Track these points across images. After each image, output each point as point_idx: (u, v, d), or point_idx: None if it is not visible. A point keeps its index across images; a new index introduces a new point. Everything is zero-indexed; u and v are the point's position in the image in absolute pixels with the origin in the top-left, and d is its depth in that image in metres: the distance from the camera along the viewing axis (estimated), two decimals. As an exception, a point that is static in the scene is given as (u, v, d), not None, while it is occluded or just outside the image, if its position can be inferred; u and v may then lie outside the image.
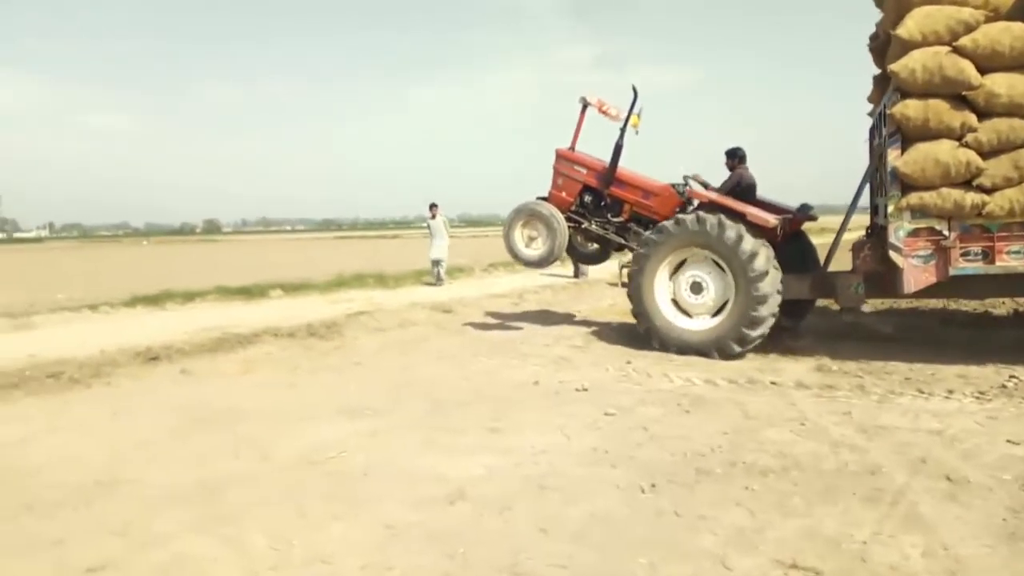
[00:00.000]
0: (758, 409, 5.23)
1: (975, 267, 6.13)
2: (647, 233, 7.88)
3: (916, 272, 6.23)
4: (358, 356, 7.88)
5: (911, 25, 6.07)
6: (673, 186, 8.34)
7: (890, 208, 6.36)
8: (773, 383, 6.03)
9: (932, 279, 6.21)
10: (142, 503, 3.78)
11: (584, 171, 8.68)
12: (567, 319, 10.03)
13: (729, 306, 7.18)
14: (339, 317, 10.03)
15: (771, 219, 7.21)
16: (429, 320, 10.17)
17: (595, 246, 9.34)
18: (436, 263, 15.36)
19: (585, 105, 8.51)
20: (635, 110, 8.37)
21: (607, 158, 8.53)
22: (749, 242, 7.02)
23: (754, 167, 7.99)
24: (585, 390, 5.88)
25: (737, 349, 7.03)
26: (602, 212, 8.66)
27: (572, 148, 8.81)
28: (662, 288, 7.54)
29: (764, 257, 7.02)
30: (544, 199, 8.80)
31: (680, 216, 7.58)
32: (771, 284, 7.00)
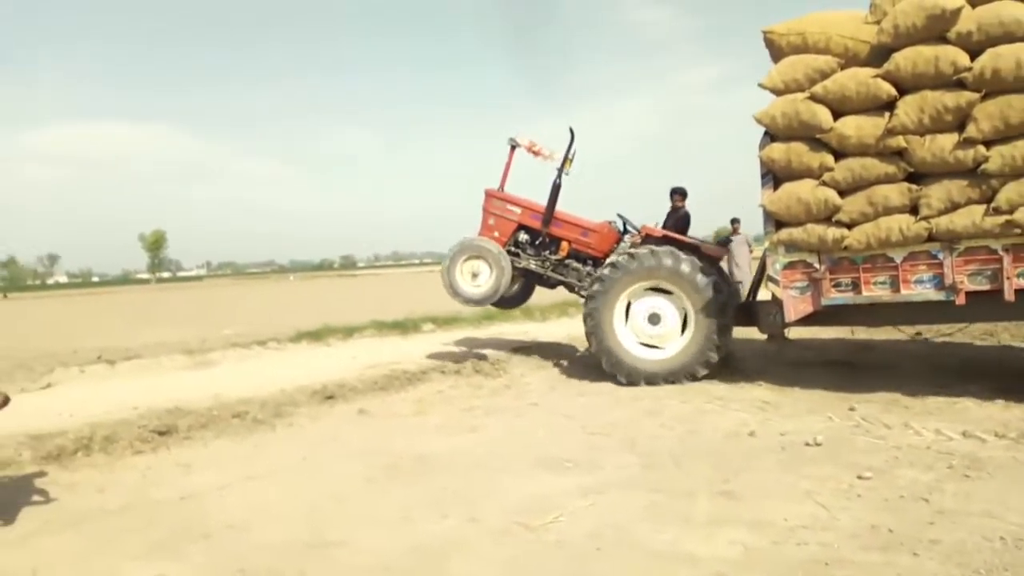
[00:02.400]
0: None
1: (845, 297, 6.48)
2: (602, 270, 8.01)
3: (794, 302, 6.65)
4: (532, 396, 7.41)
5: (774, 75, 6.57)
6: (610, 223, 8.77)
7: (765, 244, 6.81)
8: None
9: (809, 308, 6.60)
10: (359, 572, 3.40)
11: (519, 211, 8.79)
12: (743, 353, 9.09)
13: (690, 333, 7.53)
14: (500, 353, 9.65)
15: (721, 251, 8.15)
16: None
17: (515, 288, 9.13)
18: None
19: (514, 146, 8.64)
20: (570, 152, 8.53)
21: (526, 197, 8.76)
22: (704, 272, 7.52)
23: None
24: (818, 445, 5.02)
25: (703, 372, 7.44)
26: (539, 251, 8.83)
27: (501, 188, 8.88)
28: (621, 322, 7.77)
29: (721, 284, 7.61)
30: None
31: (634, 251, 7.85)
32: (728, 309, 7.50)
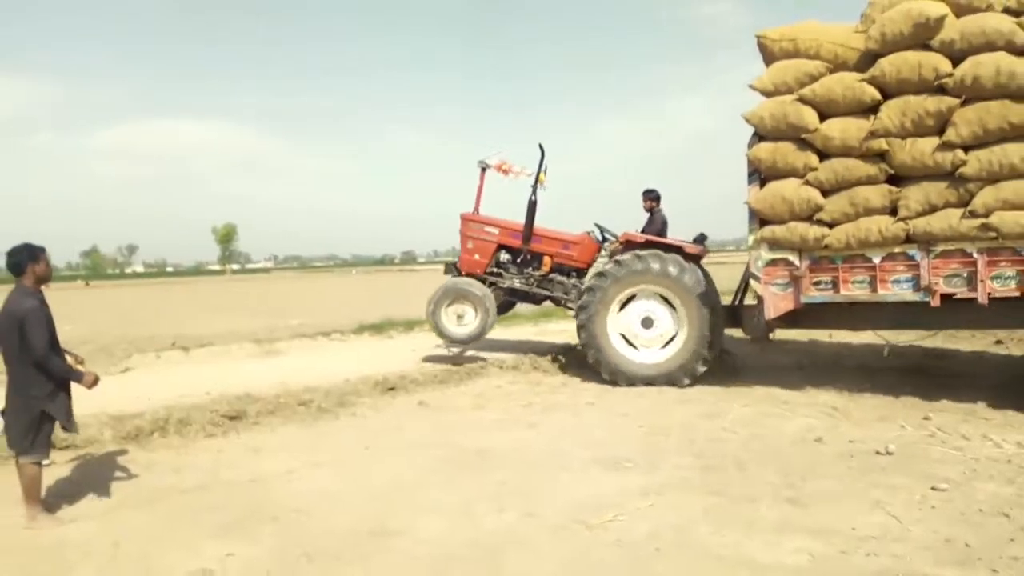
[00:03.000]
0: None
1: (824, 295, 6.57)
2: (590, 279, 8.05)
3: (775, 299, 6.74)
4: (589, 394, 7.37)
5: (765, 78, 6.74)
6: (589, 234, 8.90)
7: (749, 241, 6.90)
8: None
9: (789, 306, 6.68)
10: (419, 562, 3.46)
11: (497, 231, 8.92)
12: (811, 353, 8.83)
13: (684, 334, 7.58)
14: (557, 350, 9.64)
15: (702, 249, 8.12)
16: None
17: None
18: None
19: (484, 168, 8.72)
20: (542, 167, 8.57)
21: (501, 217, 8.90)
22: (690, 272, 7.60)
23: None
24: (890, 454, 4.84)
25: (701, 370, 7.47)
26: (521, 268, 8.94)
27: (476, 211, 9.01)
28: (614, 328, 7.80)
29: (709, 285, 7.66)
30: (452, 264, 9.20)
31: (617, 259, 7.89)
32: (718, 307, 7.61)
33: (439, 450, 5.40)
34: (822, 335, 9.92)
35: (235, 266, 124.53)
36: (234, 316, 18.10)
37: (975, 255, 5.93)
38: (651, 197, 8.69)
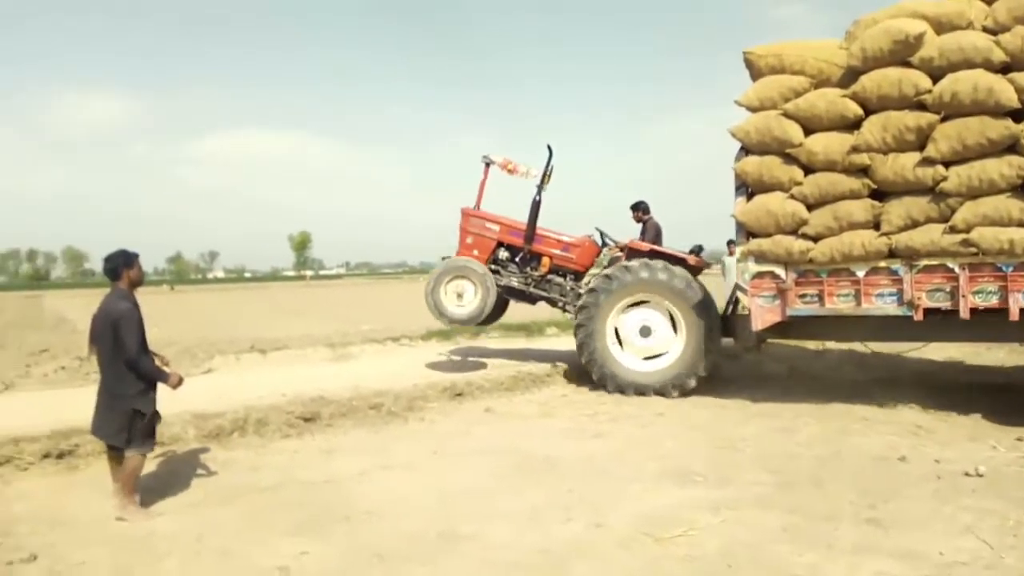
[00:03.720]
0: None
1: (810, 308, 6.62)
2: (591, 283, 8.11)
3: (761, 312, 6.79)
4: (658, 405, 7.26)
5: (750, 93, 6.85)
6: (589, 237, 8.85)
7: (736, 253, 7.07)
8: None
9: (775, 318, 6.74)
10: (487, 567, 3.48)
11: (497, 228, 8.82)
12: (891, 368, 8.43)
13: (683, 343, 7.61)
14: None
15: (702, 262, 8.23)
16: (721, 368, 9.20)
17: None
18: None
19: (488, 164, 8.61)
20: (549, 168, 8.46)
21: (503, 215, 8.81)
22: (693, 282, 7.70)
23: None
24: (980, 475, 4.58)
25: (693, 384, 7.53)
26: (520, 267, 8.86)
27: (477, 207, 8.90)
28: (613, 335, 7.86)
29: (706, 294, 7.70)
30: (447, 259, 8.85)
31: (624, 265, 7.93)
32: (716, 318, 7.67)
33: (506, 457, 5.43)
34: (900, 348, 9.50)
35: (309, 272, 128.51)
36: (308, 320, 18.68)
37: (957, 270, 5.96)
38: (640, 209, 8.77)
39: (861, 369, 8.78)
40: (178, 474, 5.17)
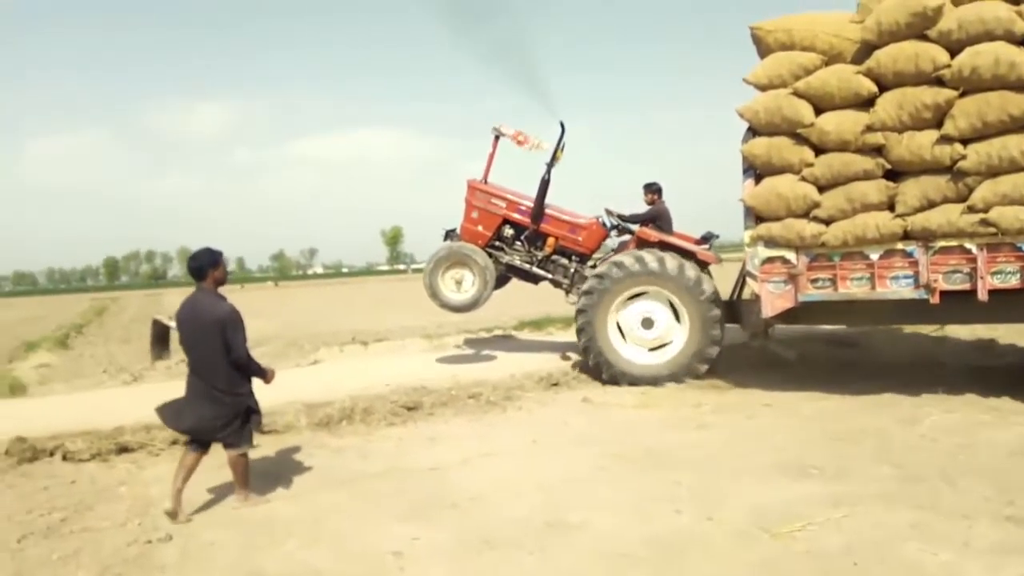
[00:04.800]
0: None
1: (822, 294, 6.45)
2: (594, 271, 7.96)
3: (772, 298, 6.63)
4: (764, 395, 6.98)
5: (759, 71, 6.59)
6: (597, 219, 8.59)
7: (745, 238, 6.77)
8: None
9: (787, 304, 6.56)
10: (598, 556, 3.45)
11: (503, 204, 8.53)
12: (993, 351, 7.76)
13: (687, 334, 7.50)
14: (727, 347, 9.22)
15: (712, 257, 8.01)
16: (823, 354, 8.76)
17: None
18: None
19: (498, 136, 8.33)
20: (560, 144, 8.19)
21: (514, 189, 8.60)
22: (694, 272, 7.54)
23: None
24: None
25: (703, 368, 7.50)
26: (524, 245, 8.62)
27: (484, 180, 8.60)
28: (614, 326, 7.72)
29: (710, 283, 7.61)
30: (451, 232, 8.69)
31: (621, 257, 7.79)
32: (719, 305, 7.51)
33: (606, 447, 5.36)
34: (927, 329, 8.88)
35: (400, 266, 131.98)
36: (403, 312, 19.13)
37: (975, 251, 5.79)
38: (653, 190, 8.52)
39: (993, 355, 8.15)
40: (293, 461, 5.41)
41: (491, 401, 7.06)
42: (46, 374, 10.80)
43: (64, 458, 5.51)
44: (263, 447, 5.78)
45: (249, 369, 4.38)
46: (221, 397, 4.26)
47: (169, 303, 33.05)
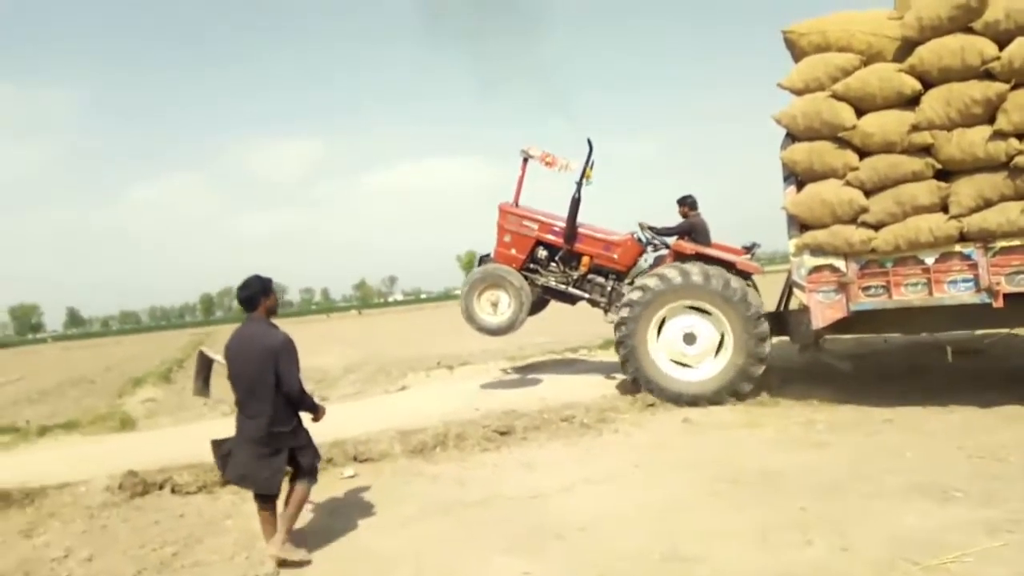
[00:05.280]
0: None
1: (876, 302, 6.19)
2: (633, 289, 7.68)
3: (821, 308, 6.39)
4: (884, 411, 6.43)
5: (794, 76, 6.40)
6: (632, 235, 8.44)
7: (790, 247, 6.54)
8: None
9: (838, 314, 6.31)
10: (724, 595, 3.16)
11: (536, 226, 8.43)
12: None
13: (731, 350, 7.18)
14: (837, 361, 8.65)
15: (755, 267, 7.73)
16: (940, 363, 8.04)
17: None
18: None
19: (527, 158, 8.24)
20: (589, 163, 8.06)
21: (542, 210, 8.52)
22: (739, 286, 7.21)
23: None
24: None
25: (748, 388, 7.15)
26: (559, 266, 8.51)
27: (516, 203, 8.51)
28: (655, 343, 7.47)
29: (755, 297, 7.29)
30: (485, 257, 8.60)
31: (664, 269, 7.55)
32: (765, 321, 7.13)
33: (716, 470, 5.03)
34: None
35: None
36: (484, 335, 19.09)
37: None
38: (687, 204, 8.34)
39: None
40: (391, 489, 5.33)
41: (585, 424, 6.81)
42: (152, 408, 11.26)
43: (172, 491, 5.63)
44: (361, 476, 5.77)
45: (302, 403, 4.03)
46: (262, 441, 3.88)
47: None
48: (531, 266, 8.58)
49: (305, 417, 4.15)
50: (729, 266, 7.54)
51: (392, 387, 10.35)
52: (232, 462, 4.00)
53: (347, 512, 4.88)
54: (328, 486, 5.57)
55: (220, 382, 4.82)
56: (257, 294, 4.01)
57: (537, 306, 9.06)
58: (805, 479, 4.65)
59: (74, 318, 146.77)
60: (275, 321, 4.10)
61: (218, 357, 4.41)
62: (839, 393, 6.96)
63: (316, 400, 4.12)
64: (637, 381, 7.54)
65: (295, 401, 3.97)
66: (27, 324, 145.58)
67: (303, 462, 4.08)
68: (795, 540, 3.67)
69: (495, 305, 8.20)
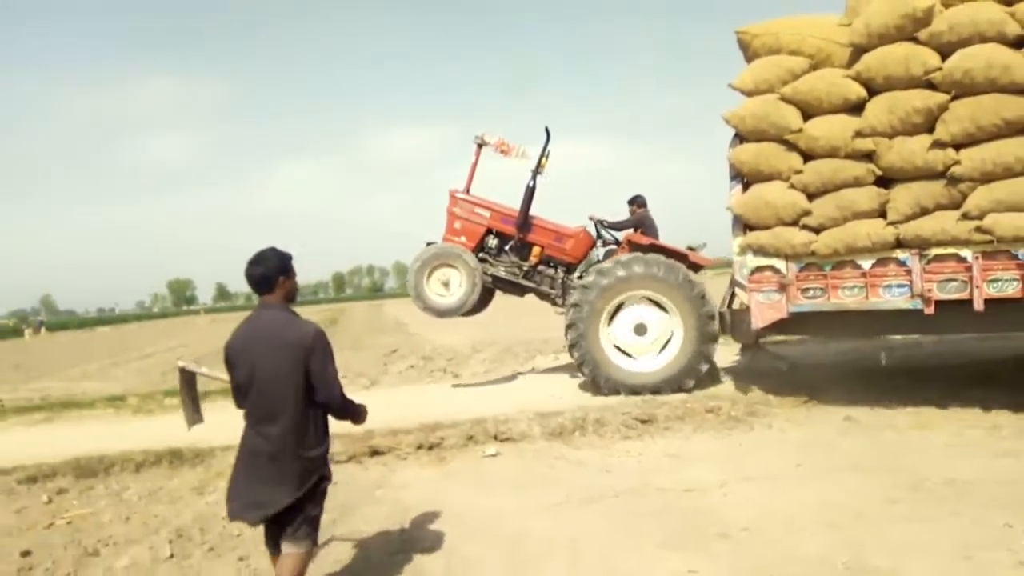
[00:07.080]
0: None
1: (814, 304, 6.30)
2: (584, 279, 7.69)
3: (762, 308, 6.47)
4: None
5: (745, 76, 6.45)
6: (584, 228, 8.46)
7: (734, 247, 6.60)
8: None
9: (777, 315, 6.42)
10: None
11: (487, 214, 8.28)
12: None
13: (679, 343, 7.35)
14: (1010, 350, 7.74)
15: (707, 259, 8.17)
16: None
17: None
18: None
19: (481, 145, 8.12)
20: (545, 152, 8.00)
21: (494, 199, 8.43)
22: (697, 281, 7.42)
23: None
24: None
25: (691, 383, 7.28)
26: (509, 256, 8.34)
27: (467, 190, 8.39)
28: (605, 333, 7.51)
29: (699, 280, 7.50)
30: (431, 244, 8.23)
31: (620, 260, 7.56)
32: (715, 322, 7.30)
33: (890, 476, 4.58)
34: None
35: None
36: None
37: (970, 259, 5.63)
38: (638, 203, 8.53)
39: None
40: (536, 471, 5.27)
41: (733, 416, 6.45)
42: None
43: (326, 460, 5.85)
44: (504, 454, 5.76)
45: (345, 411, 3.06)
46: (285, 463, 2.87)
47: (390, 312, 35.77)
48: (480, 256, 8.32)
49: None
50: (682, 258, 7.73)
51: (522, 368, 10.37)
52: (244, 489, 2.92)
53: (494, 491, 4.86)
54: (472, 464, 5.61)
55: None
56: (274, 272, 2.94)
57: (481, 302, 8.60)
58: (999, 491, 4.13)
59: (222, 292, 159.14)
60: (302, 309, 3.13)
61: (202, 368, 3.58)
62: (1016, 396, 6.20)
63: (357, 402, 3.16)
64: (596, 379, 7.51)
65: (336, 410, 3.02)
66: (183, 297, 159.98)
67: (308, 511, 2.94)
68: (1005, 560, 3.24)
69: (446, 284, 8.05)
